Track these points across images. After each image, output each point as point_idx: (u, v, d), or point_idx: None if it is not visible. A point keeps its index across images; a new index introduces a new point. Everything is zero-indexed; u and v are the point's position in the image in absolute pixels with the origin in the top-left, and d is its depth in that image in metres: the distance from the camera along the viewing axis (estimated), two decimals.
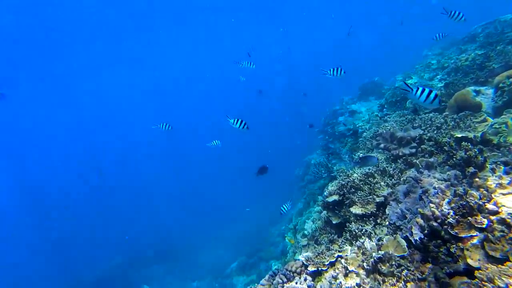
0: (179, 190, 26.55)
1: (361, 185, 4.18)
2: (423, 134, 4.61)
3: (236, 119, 5.00)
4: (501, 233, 2.10)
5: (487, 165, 3.48)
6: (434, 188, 3.12)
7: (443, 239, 2.39)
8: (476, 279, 1.98)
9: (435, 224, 2.42)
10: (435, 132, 4.62)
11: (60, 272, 16.85)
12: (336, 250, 2.99)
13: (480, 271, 1.95)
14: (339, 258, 2.77)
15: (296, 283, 2.82)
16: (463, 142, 3.63)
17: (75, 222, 23.31)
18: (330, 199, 4.48)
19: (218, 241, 16.11)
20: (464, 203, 2.33)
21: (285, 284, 2.91)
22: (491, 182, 2.45)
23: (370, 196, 3.81)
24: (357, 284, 2.44)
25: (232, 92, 37.03)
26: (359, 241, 2.97)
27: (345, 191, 4.30)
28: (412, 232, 2.75)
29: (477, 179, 2.56)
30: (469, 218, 2.26)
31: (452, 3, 8.09)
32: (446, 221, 2.37)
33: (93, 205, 26.15)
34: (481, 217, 2.23)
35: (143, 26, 21.63)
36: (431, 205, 2.57)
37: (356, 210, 3.80)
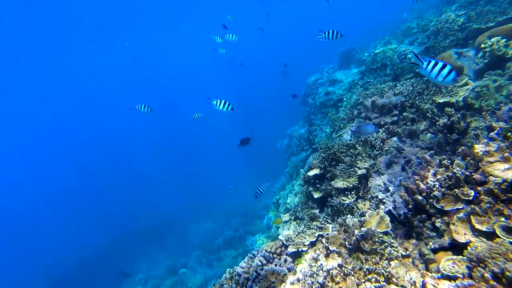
0: (170, 170, 26.42)
1: (342, 157, 4.01)
2: (405, 101, 4.43)
3: (219, 101, 4.57)
4: (488, 205, 1.97)
5: (469, 130, 3.36)
6: (418, 158, 2.97)
7: (428, 213, 2.25)
8: (464, 255, 1.85)
9: (419, 198, 2.27)
10: (417, 98, 4.45)
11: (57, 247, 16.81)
12: (317, 229, 2.84)
13: (468, 248, 1.82)
14: (320, 238, 2.61)
15: (276, 265, 2.67)
16: (446, 108, 3.47)
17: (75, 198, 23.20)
18: (311, 173, 4.31)
19: (207, 217, 16.24)
20: (450, 174, 2.17)
21: (264, 266, 2.76)
22: (478, 149, 2.29)
23: (352, 169, 3.65)
24: (338, 265, 2.30)
25: (213, 67, 35.90)
26: (341, 218, 2.82)
27: (326, 164, 4.13)
28: (395, 205, 2.62)
29: (463, 147, 2.40)
30: (456, 190, 2.11)
31: None
32: (431, 194, 2.21)
33: (90, 188, 26.04)
34: (467, 189, 2.09)
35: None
36: (416, 177, 2.41)
37: (337, 184, 3.65)
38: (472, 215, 1.99)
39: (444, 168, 2.30)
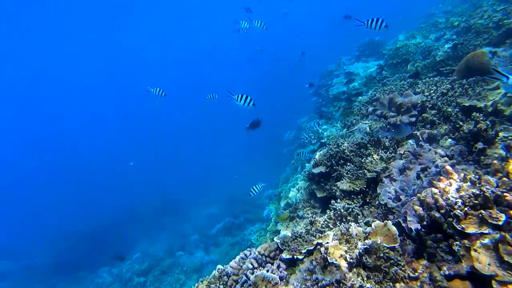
0: (177, 156, 26.52)
1: (352, 157, 3.71)
2: (426, 101, 4.05)
3: (240, 95, 4.28)
4: None
5: (496, 140, 3.00)
6: (436, 166, 2.64)
7: (445, 234, 1.96)
8: None
9: (437, 215, 1.97)
10: (439, 99, 4.06)
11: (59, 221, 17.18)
12: (316, 235, 2.58)
13: (493, 284, 1.53)
14: (319, 246, 2.36)
15: (267, 270, 2.44)
16: (474, 113, 3.09)
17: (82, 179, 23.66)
18: (316, 170, 4.03)
19: (209, 201, 16.27)
20: (478, 191, 1.86)
21: (255, 270, 2.54)
22: None
23: (361, 171, 3.35)
24: (336, 281, 2.05)
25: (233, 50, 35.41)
26: (344, 225, 2.55)
27: (333, 162, 3.83)
28: (406, 218, 2.33)
29: (495, 161, 2.07)
30: (482, 211, 1.80)
31: None
32: (451, 213, 1.91)
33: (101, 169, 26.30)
34: (497, 211, 1.78)
35: None
36: (434, 190, 2.10)
37: (343, 185, 3.36)
38: (500, 243, 1.69)
39: (469, 183, 1.98)
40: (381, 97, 4.51)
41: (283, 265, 2.49)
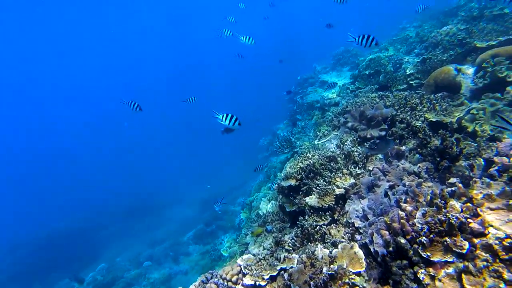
0: (154, 160, 25.75)
1: (322, 170, 3.62)
2: (396, 115, 4.07)
3: (225, 115, 4.04)
4: (484, 263, 1.61)
5: (461, 157, 3.03)
6: (404, 185, 2.60)
7: (410, 261, 1.88)
8: None
9: (403, 241, 1.88)
10: (408, 113, 4.09)
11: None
12: (280, 258, 2.43)
13: None
14: (282, 271, 2.21)
15: None
16: (441, 130, 3.11)
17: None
18: (286, 183, 3.90)
19: (183, 205, 15.83)
20: (443, 218, 1.80)
21: None
22: (477, 191, 1.93)
23: (330, 186, 3.26)
24: None
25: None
26: (310, 247, 2.42)
27: (303, 175, 3.73)
28: (373, 240, 2.24)
29: (460, 186, 2.04)
30: (447, 238, 1.74)
31: None
32: (417, 239, 1.84)
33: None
34: (461, 239, 1.72)
35: None
36: (401, 213, 2.02)
37: (312, 201, 3.25)
38: (464, 273, 1.62)
39: (435, 208, 1.92)
40: (352, 109, 4.50)
41: None
